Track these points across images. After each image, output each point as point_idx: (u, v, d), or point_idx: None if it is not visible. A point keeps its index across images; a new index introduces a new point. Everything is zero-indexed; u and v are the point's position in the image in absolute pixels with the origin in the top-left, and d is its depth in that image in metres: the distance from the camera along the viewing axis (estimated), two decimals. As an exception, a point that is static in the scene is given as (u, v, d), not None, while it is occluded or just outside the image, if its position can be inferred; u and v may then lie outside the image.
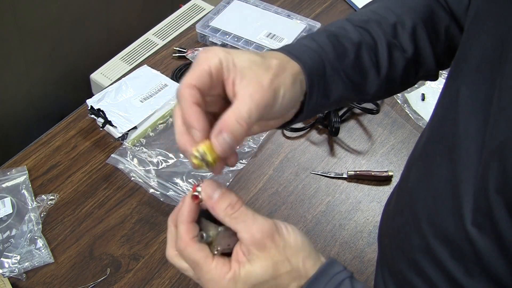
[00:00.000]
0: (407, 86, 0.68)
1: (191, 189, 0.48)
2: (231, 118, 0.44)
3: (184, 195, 0.49)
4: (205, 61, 0.46)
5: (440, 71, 0.70)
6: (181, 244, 0.47)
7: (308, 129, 1.12)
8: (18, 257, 0.90)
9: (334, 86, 0.57)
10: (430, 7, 0.64)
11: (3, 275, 0.87)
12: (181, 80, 0.46)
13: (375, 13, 0.63)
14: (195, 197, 0.47)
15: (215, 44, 1.27)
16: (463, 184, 0.47)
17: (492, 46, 0.46)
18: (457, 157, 0.48)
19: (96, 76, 1.49)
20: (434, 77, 0.70)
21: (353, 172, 1.04)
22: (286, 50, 0.53)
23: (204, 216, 0.48)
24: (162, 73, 1.20)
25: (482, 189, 0.44)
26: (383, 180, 1.04)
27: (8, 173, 1.01)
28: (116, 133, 1.07)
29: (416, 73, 0.66)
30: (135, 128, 1.08)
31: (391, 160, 1.08)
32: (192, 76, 0.45)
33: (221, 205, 0.46)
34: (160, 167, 1.03)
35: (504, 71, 0.43)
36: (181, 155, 1.05)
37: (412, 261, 0.55)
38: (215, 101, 0.49)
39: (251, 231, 0.44)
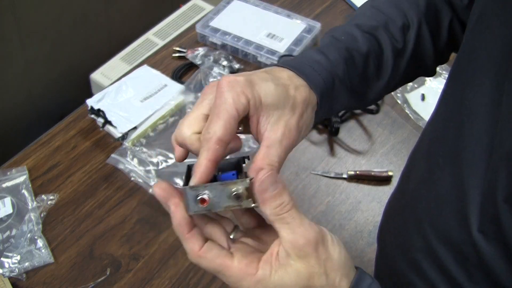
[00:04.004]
0: (404, 83, 0.68)
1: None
2: (265, 167, 0.43)
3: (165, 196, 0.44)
4: (233, 104, 0.43)
5: (440, 71, 0.70)
6: (193, 258, 0.44)
7: (308, 129, 1.12)
8: (18, 257, 0.90)
9: (339, 99, 0.56)
10: (433, 3, 0.63)
11: (3, 275, 0.87)
12: (210, 124, 0.43)
13: (382, 14, 0.61)
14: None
15: (215, 44, 1.27)
16: (469, 189, 0.46)
17: (499, 48, 0.45)
18: (463, 160, 0.47)
19: (96, 76, 1.49)
20: (432, 73, 0.69)
21: (353, 172, 1.04)
22: (302, 72, 0.51)
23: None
24: (162, 73, 1.20)
25: (490, 196, 0.43)
26: (383, 180, 1.04)
27: (8, 173, 1.01)
28: (116, 133, 1.07)
29: (416, 72, 0.65)
30: (135, 128, 1.08)
31: (391, 160, 1.08)
32: (222, 128, 0.42)
33: (273, 202, 0.42)
34: (160, 167, 1.03)
35: None
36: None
37: (413, 262, 0.55)
38: None
39: (295, 235, 0.41)
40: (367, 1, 0.66)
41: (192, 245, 0.43)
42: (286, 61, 0.54)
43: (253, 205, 0.42)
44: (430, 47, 0.63)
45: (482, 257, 0.45)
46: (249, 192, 0.42)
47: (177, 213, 0.43)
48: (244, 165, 0.46)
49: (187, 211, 0.43)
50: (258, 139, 0.46)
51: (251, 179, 0.42)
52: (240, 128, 0.46)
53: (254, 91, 0.44)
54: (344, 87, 0.56)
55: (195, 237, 0.44)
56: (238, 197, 0.42)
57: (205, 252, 0.43)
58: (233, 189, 0.42)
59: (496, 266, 0.44)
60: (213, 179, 0.44)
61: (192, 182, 0.42)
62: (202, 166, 0.42)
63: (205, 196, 0.42)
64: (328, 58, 0.54)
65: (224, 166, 0.48)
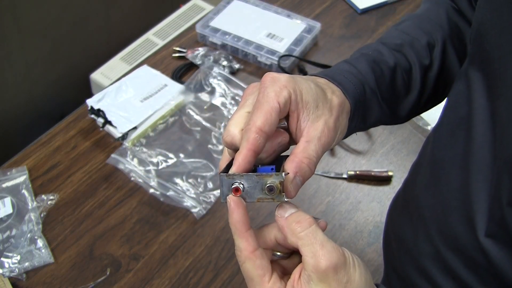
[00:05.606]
0: (437, 103, 0.67)
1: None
2: (303, 163, 0.44)
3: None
4: (275, 97, 0.44)
5: None
6: (241, 256, 0.43)
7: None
8: (18, 257, 0.90)
9: (372, 111, 0.57)
10: (455, 22, 0.64)
11: (3, 275, 0.87)
12: (251, 116, 0.43)
13: (407, 35, 0.63)
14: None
15: (215, 44, 1.27)
16: (475, 194, 0.46)
17: (496, 56, 0.46)
18: (471, 165, 0.48)
19: (96, 76, 1.49)
20: None
21: (353, 172, 1.04)
22: (335, 80, 0.52)
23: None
24: (162, 73, 1.20)
25: (496, 200, 0.44)
26: (383, 180, 1.04)
27: (8, 173, 1.01)
28: (116, 133, 1.07)
29: (444, 89, 0.66)
30: (135, 128, 1.08)
31: (391, 160, 1.08)
32: (262, 118, 0.43)
33: (289, 221, 0.43)
34: (160, 167, 1.03)
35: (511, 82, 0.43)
36: (181, 155, 1.05)
37: (422, 268, 0.55)
38: None
39: (318, 258, 0.41)
40: (392, 25, 0.68)
41: (247, 244, 0.43)
42: (318, 72, 0.55)
43: (286, 199, 0.43)
44: (456, 64, 0.64)
45: (491, 261, 0.45)
46: (283, 187, 0.42)
47: (238, 209, 0.43)
48: (284, 163, 0.46)
49: (221, 199, 0.44)
50: (296, 137, 0.46)
51: (286, 174, 0.42)
52: (284, 124, 0.47)
53: (296, 87, 0.45)
54: (375, 97, 0.56)
55: (252, 237, 0.43)
56: (271, 189, 0.42)
57: (257, 256, 0.43)
58: (267, 182, 0.42)
59: (506, 269, 0.44)
60: (253, 172, 0.44)
61: (230, 171, 0.43)
62: (241, 155, 0.43)
63: (240, 186, 0.43)
64: (357, 68, 0.56)
65: (266, 163, 0.48)
